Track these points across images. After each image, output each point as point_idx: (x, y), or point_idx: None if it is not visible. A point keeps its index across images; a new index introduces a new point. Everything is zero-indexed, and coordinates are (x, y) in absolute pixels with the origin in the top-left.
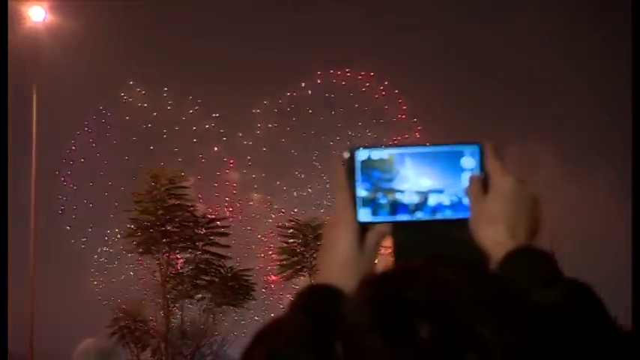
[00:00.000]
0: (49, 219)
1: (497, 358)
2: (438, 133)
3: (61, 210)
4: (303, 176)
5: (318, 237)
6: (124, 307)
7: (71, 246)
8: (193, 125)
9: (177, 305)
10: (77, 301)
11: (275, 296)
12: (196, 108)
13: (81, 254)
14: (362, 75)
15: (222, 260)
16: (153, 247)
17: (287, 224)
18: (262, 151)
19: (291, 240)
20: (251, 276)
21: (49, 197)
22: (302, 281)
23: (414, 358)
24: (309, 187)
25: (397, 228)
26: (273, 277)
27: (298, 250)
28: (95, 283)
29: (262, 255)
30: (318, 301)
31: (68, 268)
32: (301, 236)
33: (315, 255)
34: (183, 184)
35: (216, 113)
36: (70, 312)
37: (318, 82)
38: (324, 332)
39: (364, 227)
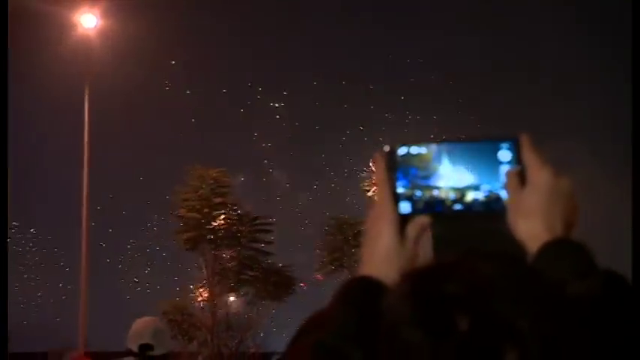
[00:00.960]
0: (101, 214)
1: (535, 351)
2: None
3: (111, 196)
4: (345, 176)
5: (357, 234)
6: (171, 301)
7: (121, 242)
8: (239, 126)
9: (223, 299)
10: (128, 295)
11: (316, 291)
12: (241, 110)
13: (131, 250)
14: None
15: (265, 256)
16: (200, 244)
17: (328, 222)
18: (306, 152)
19: (332, 237)
20: (292, 271)
21: (99, 192)
22: (342, 276)
23: (453, 351)
24: (349, 188)
25: (436, 221)
26: (317, 276)
27: (339, 247)
28: (145, 278)
29: (304, 251)
30: (361, 293)
31: (118, 263)
32: (341, 234)
33: (354, 251)
34: (228, 183)
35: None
36: (121, 304)
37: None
38: (367, 325)
39: (404, 221)
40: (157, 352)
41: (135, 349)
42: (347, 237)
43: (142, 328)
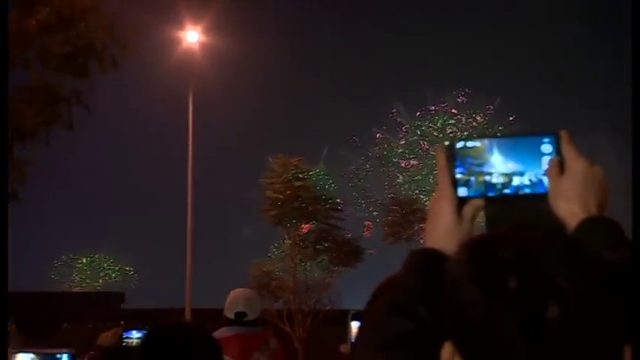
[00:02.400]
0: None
1: (574, 306)
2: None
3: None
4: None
5: (413, 211)
6: (261, 268)
7: (221, 219)
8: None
9: (303, 265)
10: (228, 264)
11: (380, 258)
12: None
13: (230, 224)
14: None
15: (337, 230)
16: (283, 220)
17: (391, 202)
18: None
19: (392, 215)
20: (360, 242)
21: (203, 177)
22: (401, 246)
23: (504, 306)
24: (408, 172)
25: (488, 203)
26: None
27: (398, 222)
28: (240, 247)
29: (370, 226)
30: (426, 262)
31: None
32: (401, 211)
33: (411, 225)
34: (307, 169)
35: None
36: (222, 273)
37: None
38: (431, 287)
39: (462, 202)
40: (249, 317)
41: (231, 316)
42: (405, 214)
43: (236, 298)
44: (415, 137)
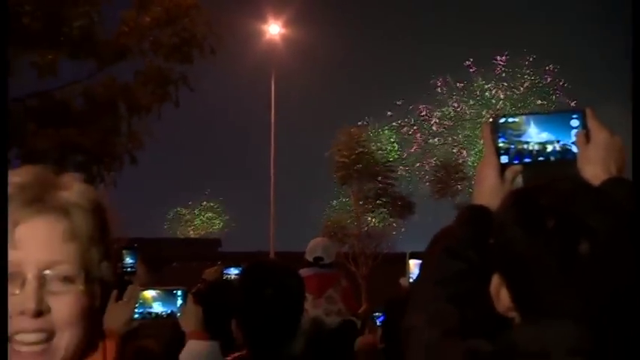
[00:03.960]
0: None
1: (602, 241)
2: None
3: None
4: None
5: (456, 172)
6: (331, 219)
7: (300, 180)
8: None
9: (365, 217)
10: (305, 216)
11: (429, 211)
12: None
13: (307, 183)
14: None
15: (393, 188)
16: (349, 180)
17: (438, 164)
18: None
19: (439, 174)
20: (413, 198)
21: (285, 148)
22: (447, 202)
23: (542, 242)
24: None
25: (525, 168)
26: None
27: (444, 181)
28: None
29: (421, 184)
30: (474, 215)
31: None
32: (446, 172)
33: (454, 183)
34: (366, 137)
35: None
36: (300, 223)
37: None
38: (479, 235)
39: (503, 168)
40: (325, 261)
41: (311, 259)
42: (449, 173)
43: (315, 245)
44: (456, 105)
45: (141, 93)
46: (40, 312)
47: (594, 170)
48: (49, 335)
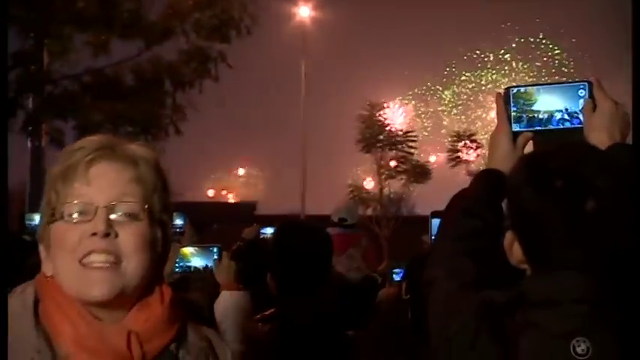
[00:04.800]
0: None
1: (607, 199)
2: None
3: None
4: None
5: (471, 141)
6: (354, 184)
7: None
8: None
9: (386, 182)
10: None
11: (444, 177)
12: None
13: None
14: None
15: (412, 155)
16: (371, 148)
17: (453, 133)
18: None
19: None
20: (429, 165)
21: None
22: (462, 168)
23: (552, 200)
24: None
25: (536, 135)
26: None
27: (458, 150)
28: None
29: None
30: (489, 178)
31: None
32: (460, 140)
33: (468, 151)
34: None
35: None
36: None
37: None
38: (494, 195)
39: (515, 135)
40: (349, 222)
41: (336, 220)
42: (464, 142)
43: (339, 207)
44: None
45: (184, 70)
46: (109, 234)
47: (600, 137)
48: (117, 259)
